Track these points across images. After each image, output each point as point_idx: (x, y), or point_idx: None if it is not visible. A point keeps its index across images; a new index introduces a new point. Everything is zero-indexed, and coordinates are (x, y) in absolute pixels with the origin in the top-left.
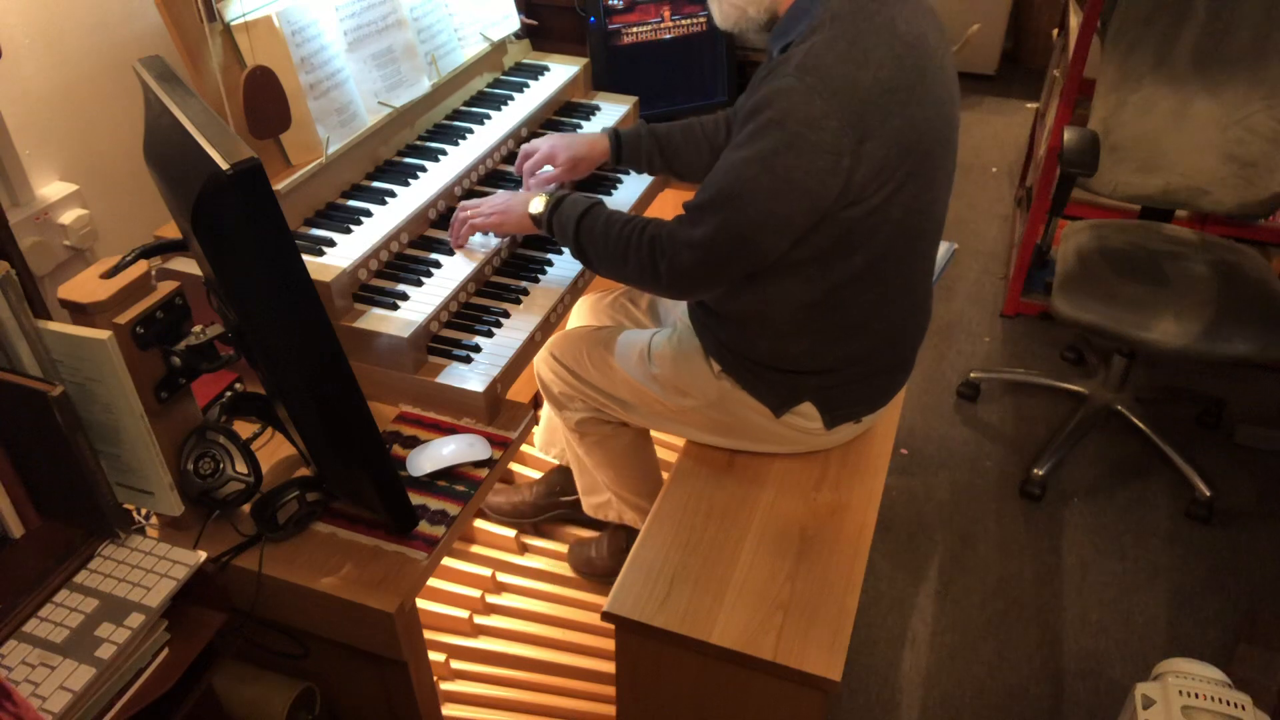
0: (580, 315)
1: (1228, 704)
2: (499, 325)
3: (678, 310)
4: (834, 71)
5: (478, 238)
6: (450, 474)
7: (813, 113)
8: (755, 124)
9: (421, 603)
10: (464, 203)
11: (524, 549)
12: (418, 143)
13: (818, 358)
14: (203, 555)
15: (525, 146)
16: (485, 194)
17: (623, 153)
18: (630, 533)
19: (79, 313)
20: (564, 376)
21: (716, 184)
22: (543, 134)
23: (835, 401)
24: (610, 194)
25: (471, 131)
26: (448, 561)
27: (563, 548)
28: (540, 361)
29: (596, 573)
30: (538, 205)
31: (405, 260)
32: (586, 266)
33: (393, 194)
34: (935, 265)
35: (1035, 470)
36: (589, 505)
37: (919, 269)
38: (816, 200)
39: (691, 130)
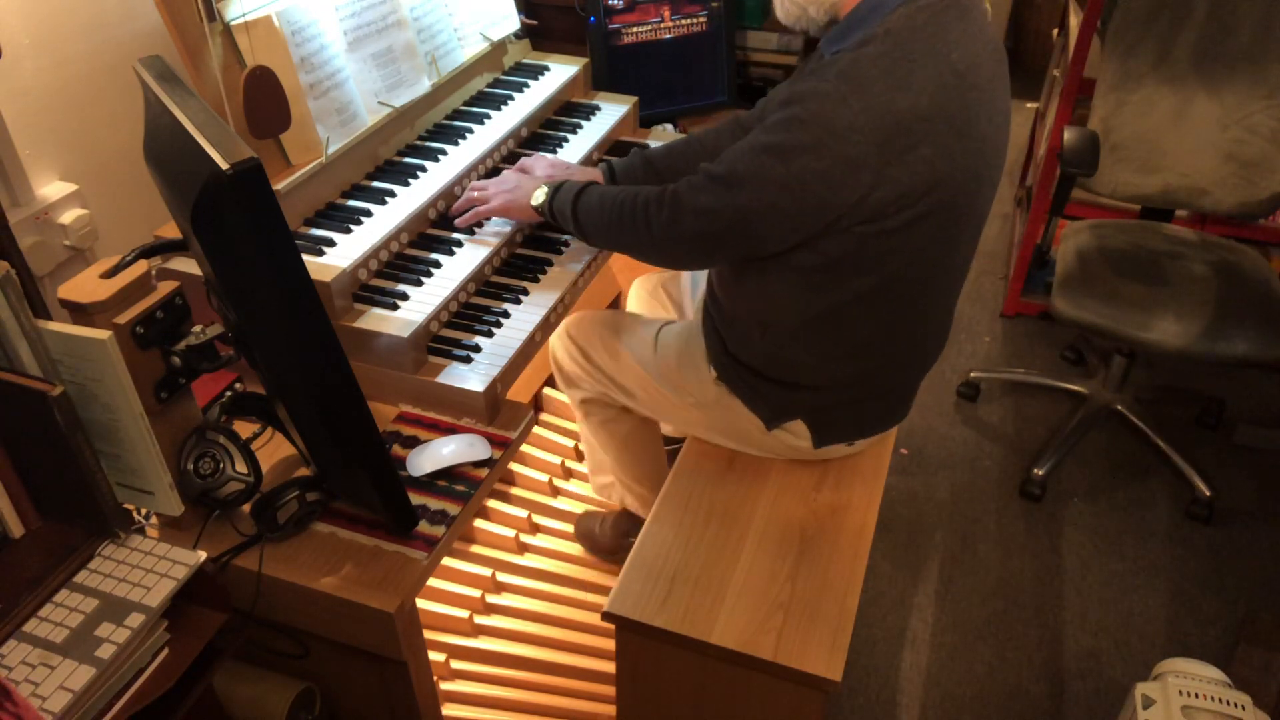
0: (635, 298)
1: (1227, 704)
2: (499, 325)
3: (691, 303)
4: (873, 87)
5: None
6: (450, 474)
7: (841, 123)
8: (783, 115)
9: (421, 603)
10: (475, 183)
11: (524, 549)
12: (418, 142)
13: (814, 371)
14: (203, 555)
15: (521, 164)
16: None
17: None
18: (635, 517)
19: (79, 313)
20: (575, 356)
21: (731, 162)
22: (544, 135)
23: (826, 422)
24: None
25: (471, 131)
26: (448, 561)
27: (563, 547)
28: (556, 339)
29: (599, 548)
30: (539, 197)
31: (405, 260)
32: (585, 240)
33: (393, 194)
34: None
35: (1035, 470)
36: (595, 484)
37: (936, 301)
38: (824, 205)
39: (690, 148)
